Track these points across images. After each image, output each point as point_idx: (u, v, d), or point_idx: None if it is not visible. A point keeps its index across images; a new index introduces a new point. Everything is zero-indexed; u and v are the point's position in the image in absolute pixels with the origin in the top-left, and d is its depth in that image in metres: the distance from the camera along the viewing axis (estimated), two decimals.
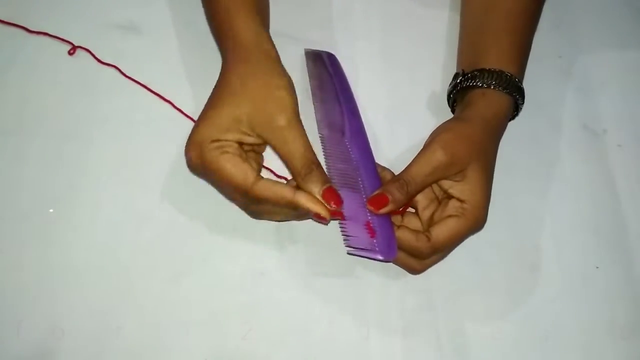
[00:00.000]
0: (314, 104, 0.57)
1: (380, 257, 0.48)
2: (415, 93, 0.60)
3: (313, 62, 0.59)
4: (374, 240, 0.48)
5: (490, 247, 0.55)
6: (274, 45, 0.51)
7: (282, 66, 0.50)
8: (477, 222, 0.49)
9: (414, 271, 0.51)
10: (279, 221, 0.52)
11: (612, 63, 0.65)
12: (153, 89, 0.57)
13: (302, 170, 0.47)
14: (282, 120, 0.47)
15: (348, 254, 0.49)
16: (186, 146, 0.48)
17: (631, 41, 0.66)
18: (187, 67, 0.59)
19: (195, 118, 0.50)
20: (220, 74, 0.50)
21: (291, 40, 0.60)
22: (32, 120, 0.55)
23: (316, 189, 0.47)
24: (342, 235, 0.49)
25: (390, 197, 0.48)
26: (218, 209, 0.53)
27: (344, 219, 0.49)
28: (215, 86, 0.50)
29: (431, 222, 0.50)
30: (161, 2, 0.61)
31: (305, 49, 0.59)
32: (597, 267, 0.55)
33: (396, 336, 0.51)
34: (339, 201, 0.47)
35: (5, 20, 0.58)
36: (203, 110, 0.49)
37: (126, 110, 0.56)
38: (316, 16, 0.62)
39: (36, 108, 0.56)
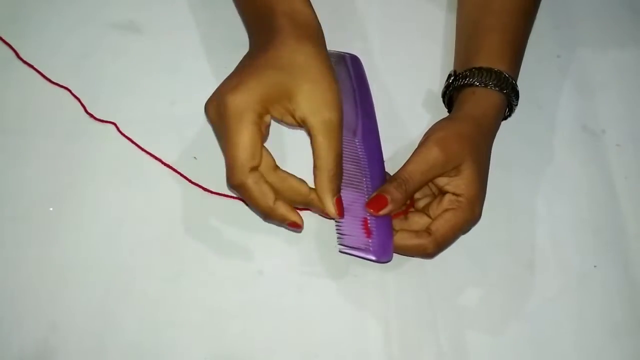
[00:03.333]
0: None
1: (373, 257, 0.49)
2: (414, 92, 0.61)
3: (335, 63, 0.58)
4: (369, 240, 0.49)
5: (489, 246, 0.55)
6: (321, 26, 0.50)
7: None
8: (473, 214, 0.50)
9: (427, 254, 0.50)
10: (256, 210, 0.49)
11: (611, 63, 0.65)
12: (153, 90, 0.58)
13: (333, 168, 0.47)
14: (336, 115, 0.46)
15: (340, 252, 0.50)
16: (220, 96, 0.45)
17: (630, 41, 0.66)
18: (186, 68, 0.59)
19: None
20: (276, 40, 0.47)
21: None
22: (32, 119, 0.55)
23: (332, 193, 0.48)
24: (337, 233, 0.50)
25: (389, 198, 0.49)
26: (217, 209, 0.53)
27: (340, 220, 0.49)
28: (267, 46, 0.47)
29: (428, 214, 0.51)
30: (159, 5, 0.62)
31: (328, 50, 0.59)
32: (595, 267, 0.55)
33: (395, 335, 0.51)
34: (342, 214, 0.49)
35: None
36: (251, 64, 0.46)
37: (126, 109, 0.57)
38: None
39: (37, 107, 0.56)
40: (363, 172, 0.51)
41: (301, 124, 0.47)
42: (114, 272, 0.51)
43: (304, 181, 0.48)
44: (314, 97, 0.46)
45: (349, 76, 0.57)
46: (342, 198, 0.49)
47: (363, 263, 0.52)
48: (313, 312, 0.51)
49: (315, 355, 0.50)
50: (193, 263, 0.52)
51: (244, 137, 0.44)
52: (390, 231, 0.50)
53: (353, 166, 0.51)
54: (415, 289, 0.52)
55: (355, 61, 0.59)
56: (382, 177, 0.51)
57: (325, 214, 0.49)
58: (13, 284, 0.50)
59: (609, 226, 0.57)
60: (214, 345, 0.49)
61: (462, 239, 0.52)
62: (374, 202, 0.49)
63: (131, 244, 0.52)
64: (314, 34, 0.49)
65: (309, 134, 0.47)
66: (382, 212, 0.49)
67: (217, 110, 0.46)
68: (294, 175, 0.48)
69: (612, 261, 0.55)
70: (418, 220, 0.51)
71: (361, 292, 0.52)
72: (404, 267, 0.53)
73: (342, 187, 0.50)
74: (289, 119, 0.48)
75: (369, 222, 0.49)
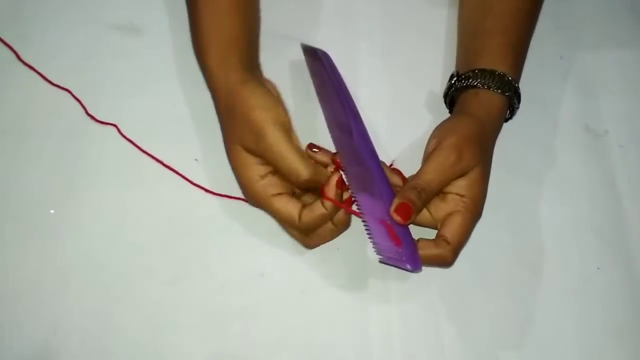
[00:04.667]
0: (320, 102, 0.57)
1: (410, 267, 0.47)
2: (416, 92, 0.60)
3: (311, 58, 0.58)
4: (401, 250, 0.47)
5: (492, 248, 0.54)
6: (244, 67, 0.51)
7: (256, 84, 0.50)
8: (478, 214, 0.50)
9: (446, 263, 0.49)
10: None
11: (614, 64, 0.64)
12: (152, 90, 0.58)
13: (300, 183, 0.48)
14: (268, 140, 0.48)
15: (380, 262, 0.49)
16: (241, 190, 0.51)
17: (632, 42, 0.66)
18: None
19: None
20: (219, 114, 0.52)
21: (293, 41, 0.60)
22: (33, 120, 0.55)
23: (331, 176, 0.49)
24: (371, 242, 0.49)
25: (413, 207, 0.47)
26: (218, 210, 0.53)
27: (364, 220, 0.49)
28: (221, 123, 0.52)
29: (429, 210, 0.50)
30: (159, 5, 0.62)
31: (301, 44, 0.59)
32: (598, 268, 0.55)
33: (397, 337, 0.51)
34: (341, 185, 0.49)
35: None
36: (225, 137, 0.51)
37: (127, 111, 0.57)
38: (317, 16, 0.62)
39: (37, 109, 0.56)
40: (370, 174, 0.50)
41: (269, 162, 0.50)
42: (115, 274, 0.51)
43: (321, 207, 0.49)
44: (253, 142, 0.48)
45: (327, 73, 0.55)
46: (362, 204, 0.49)
47: (364, 266, 0.52)
48: (314, 314, 0.51)
49: (316, 358, 0.50)
50: (194, 265, 0.52)
51: (278, 207, 0.49)
52: (413, 240, 0.48)
53: (360, 169, 0.50)
54: (418, 292, 0.52)
55: (327, 57, 0.57)
56: (386, 179, 0.50)
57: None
58: (14, 286, 0.50)
59: (612, 227, 0.57)
60: (215, 347, 0.49)
61: None
62: (402, 211, 0.47)
63: (132, 246, 0.52)
64: (224, 93, 0.51)
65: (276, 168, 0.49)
66: (408, 222, 0.47)
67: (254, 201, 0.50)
68: (315, 210, 0.49)
69: (615, 263, 0.55)
70: (423, 216, 0.50)
71: (363, 295, 0.52)
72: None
73: (357, 192, 0.49)
74: (267, 167, 0.49)
75: (394, 230, 0.47)
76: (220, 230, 0.53)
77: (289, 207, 0.48)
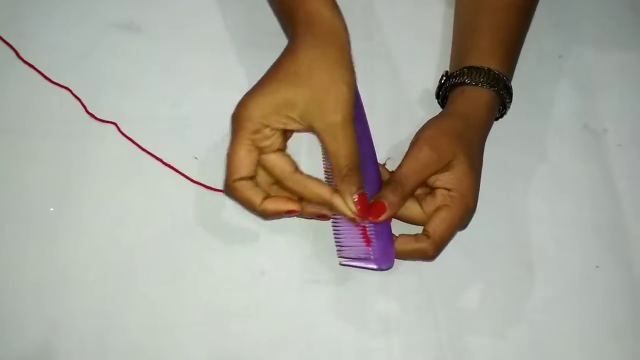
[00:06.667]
0: None
1: (374, 266, 0.49)
2: (412, 92, 0.61)
3: None
4: (369, 249, 0.49)
5: (490, 247, 0.55)
6: (347, 30, 0.50)
7: (351, 56, 0.50)
8: (467, 208, 0.50)
9: (428, 257, 0.50)
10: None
11: (613, 62, 0.65)
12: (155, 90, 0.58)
13: (345, 169, 0.48)
14: (338, 116, 0.47)
15: (340, 264, 0.50)
16: (238, 108, 0.48)
17: (631, 41, 0.66)
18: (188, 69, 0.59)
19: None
20: (290, 48, 0.50)
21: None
22: (33, 119, 0.55)
23: (353, 190, 0.48)
24: (336, 245, 0.50)
25: (386, 203, 0.49)
26: (219, 209, 0.53)
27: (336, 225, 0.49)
28: (282, 56, 0.50)
29: (421, 205, 0.51)
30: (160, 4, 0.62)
31: None
32: (597, 267, 0.55)
33: (396, 336, 0.51)
34: (366, 210, 0.48)
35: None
36: (264, 76, 0.49)
37: (127, 109, 0.57)
38: None
39: (37, 107, 0.56)
40: None
41: (310, 131, 0.49)
42: (115, 272, 0.51)
43: (325, 184, 0.49)
44: (314, 103, 0.47)
45: None
46: None
47: None
48: (315, 312, 0.51)
49: (316, 356, 0.50)
50: (194, 263, 0.52)
51: (234, 151, 0.48)
52: (390, 237, 0.49)
53: None
54: (416, 290, 0.52)
55: None
56: (378, 182, 0.51)
57: (349, 218, 0.48)
58: (14, 284, 0.50)
59: (611, 226, 0.57)
60: (215, 346, 0.49)
61: (463, 240, 0.52)
62: (372, 210, 0.49)
63: (132, 244, 0.52)
64: (329, 38, 0.49)
65: (318, 139, 0.49)
66: (381, 218, 0.49)
67: (232, 115, 0.49)
68: (316, 179, 0.49)
69: (614, 262, 0.55)
70: (412, 209, 0.51)
71: (362, 293, 0.52)
72: (405, 268, 0.53)
73: None
74: (295, 126, 0.49)
75: (367, 230, 0.49)
76: (220, 228, 0.53)
77: (246, 155, 0.48)
